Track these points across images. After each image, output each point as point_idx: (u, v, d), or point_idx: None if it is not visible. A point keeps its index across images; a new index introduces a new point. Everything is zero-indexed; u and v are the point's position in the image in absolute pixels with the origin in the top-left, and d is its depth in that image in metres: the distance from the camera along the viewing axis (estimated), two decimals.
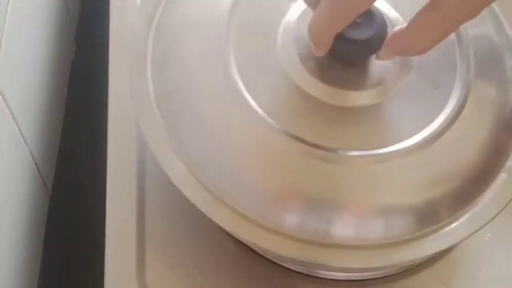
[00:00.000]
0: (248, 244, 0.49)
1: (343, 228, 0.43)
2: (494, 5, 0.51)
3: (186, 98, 0.45)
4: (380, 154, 0.42)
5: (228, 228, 0.43)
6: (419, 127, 0.44)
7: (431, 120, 0.44)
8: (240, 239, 0.47)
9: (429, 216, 0.44)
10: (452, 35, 0.47)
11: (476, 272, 0.53)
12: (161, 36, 0.48)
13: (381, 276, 0.52)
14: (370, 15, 0.41)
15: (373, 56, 0.43)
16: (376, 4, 0.41)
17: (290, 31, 0.46)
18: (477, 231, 0.44)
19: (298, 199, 0.42)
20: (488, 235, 0.55)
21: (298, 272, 0.51)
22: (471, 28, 0.48)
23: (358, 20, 0.40)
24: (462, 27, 0.47)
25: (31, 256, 0.63)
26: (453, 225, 0.44)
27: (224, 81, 0.44)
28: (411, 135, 0.43)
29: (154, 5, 0.50)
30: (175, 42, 0.48)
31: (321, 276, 0.51)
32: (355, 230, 0.43)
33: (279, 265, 0.51)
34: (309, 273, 0.51)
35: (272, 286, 0.51)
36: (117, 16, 0.63)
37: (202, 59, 0.46)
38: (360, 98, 0.44)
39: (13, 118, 0.55)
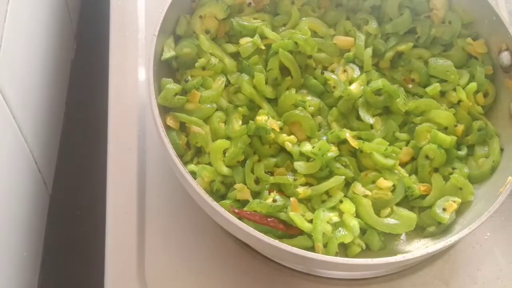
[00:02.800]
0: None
1: None
2: None
3: None
4: None
5: None
6: None
7: None
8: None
9: None
10: None
11: (476, 272, 0.54)
12: None
13: (381, 275, 0.52)
14: None
15: None
16: None
17: None
18: None
19: None
20: (488, 234, 0.55)
21: (297, 271, 0.51)
22: None
23: None
24: None
25: (31, 255, 0.63)
26: None
27: None
28: None
29: None
30: None
31: (320, 275, 0.51)
32: None
33: (278, 263, 0.51)
34: (308, 272, 0.51)
35: (271, 284, 0.51)
36: (117, 16, 0.63)
37: None
38: None
39: (14, 118, 0.55)
